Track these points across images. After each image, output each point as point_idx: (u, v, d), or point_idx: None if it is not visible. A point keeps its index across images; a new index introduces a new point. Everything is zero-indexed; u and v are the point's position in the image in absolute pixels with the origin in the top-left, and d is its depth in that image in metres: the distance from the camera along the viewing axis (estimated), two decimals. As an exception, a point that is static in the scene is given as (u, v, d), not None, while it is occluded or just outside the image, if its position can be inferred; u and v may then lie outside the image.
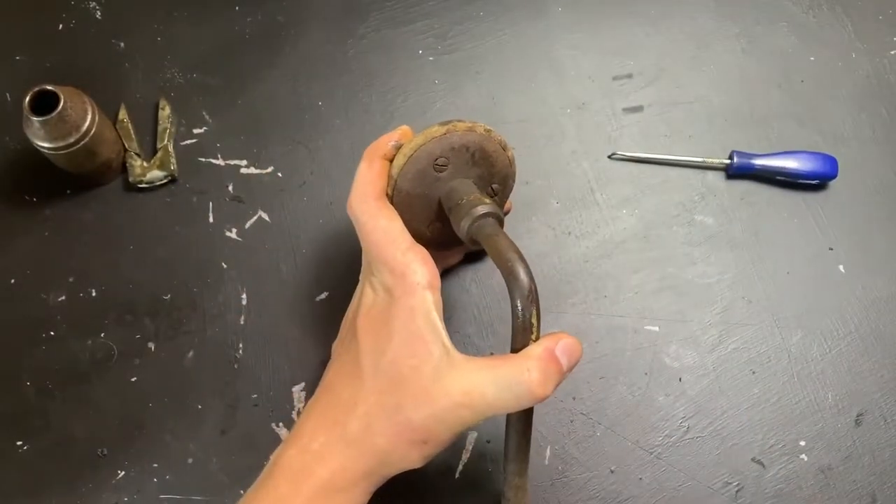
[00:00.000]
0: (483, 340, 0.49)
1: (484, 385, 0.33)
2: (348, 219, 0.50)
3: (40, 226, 0.50)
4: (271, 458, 0.37)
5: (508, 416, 0.37)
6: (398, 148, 0.40)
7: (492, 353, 0.48)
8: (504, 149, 0.41)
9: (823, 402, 0.48)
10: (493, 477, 0.46)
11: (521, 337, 0.35)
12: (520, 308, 0.34)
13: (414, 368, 0.34)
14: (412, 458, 0.35)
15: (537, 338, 0.35)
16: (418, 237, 0.38)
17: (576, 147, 0.53)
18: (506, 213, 0.45)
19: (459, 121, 0.39)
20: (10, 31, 0.54)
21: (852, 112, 0.55)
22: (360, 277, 0.41)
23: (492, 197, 0.42)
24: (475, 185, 0.40)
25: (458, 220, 0.37)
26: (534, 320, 0.35)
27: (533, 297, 0.34)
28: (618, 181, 0.53)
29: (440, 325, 0.35)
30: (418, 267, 0.35)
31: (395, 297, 0.35)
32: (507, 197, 0.44)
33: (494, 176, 0.41)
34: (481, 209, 0.37)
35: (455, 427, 0.34)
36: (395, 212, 0.38)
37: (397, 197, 0.39)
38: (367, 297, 0.38)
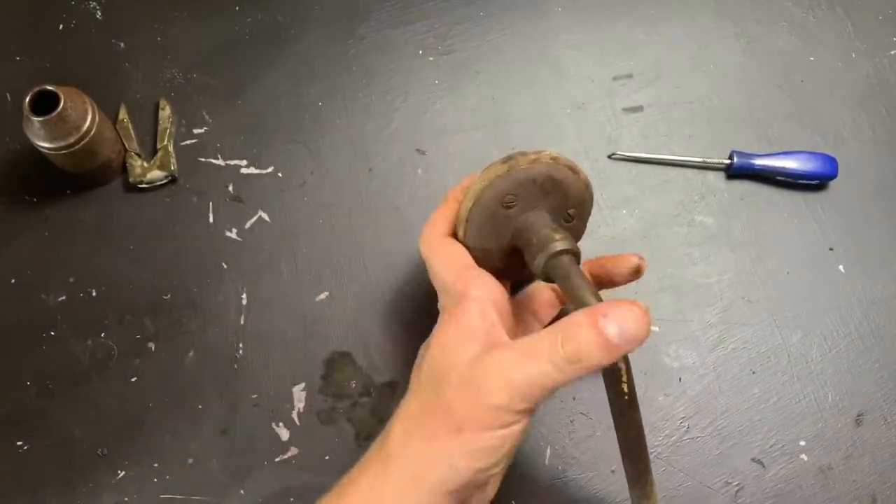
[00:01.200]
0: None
1: (515, 362, 0.31)
2: (349, 219, 0.51)
3: (40, 226, 0.50)
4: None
5: (624, 448, 0.35)
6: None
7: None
8: (575, 171, 0.39)
9: (823, 402, 0.48)
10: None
11: (610, 379, 0.33)
12: None
13: (449, 362, 0.34)
14: (453, 456, 0.32)
15: (628, 382, 0.32)
16: (494, 273, 0.38)
17: (576, 147, 0.53)
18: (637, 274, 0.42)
19: (522, 154, 0.38)
20: (10, 31, 0.54)
21: (852, 112, 0.55)
22: None
23: (568, 222, 0.40)
24: (548, 215, 0.38)
25: (532, 259, 0.36)
26: (621, 364, 0.32)
27: None
28: (618, 181, 0.53)
29: (483, 328, 0.34)
30: (476, 284, 0.36)
31: (451, 313, 0.36)
32: (586, 218, 0.42)
33: (569, 200, 0.39)
34: (554, 247, 0.35)
35: (486, 412, 0.32)
36: (460, 245, 0.39)
37: (470, 240, 0.39)
38: (439, 323, 0.38)
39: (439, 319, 0.38)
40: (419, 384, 0.36)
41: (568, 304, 0.35)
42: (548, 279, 0.36)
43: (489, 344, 0.34)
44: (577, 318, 0.30)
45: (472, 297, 0.35)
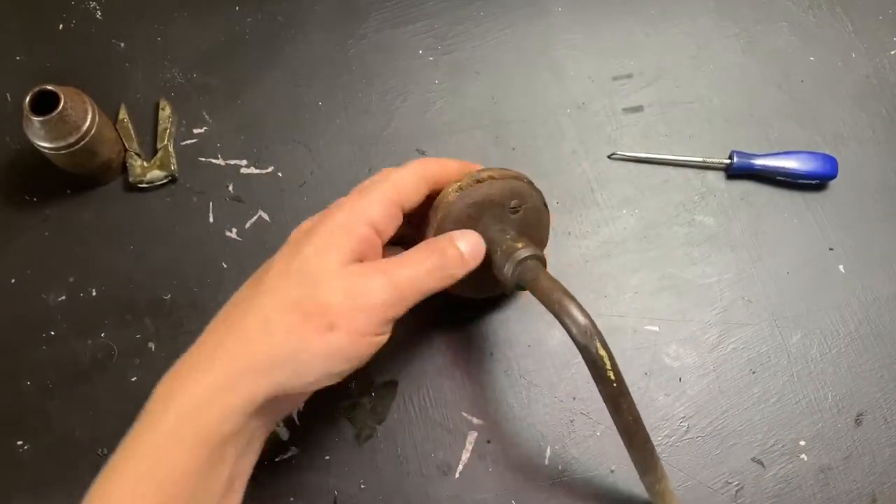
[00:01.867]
0: (483, 341, 0.49)
1: (395, 265, 0.34)
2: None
3: (40, 226, 0.50)
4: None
5: (623, 435, 0.37)
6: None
7: (491, 355, 0.48)
8: (531, 185, 0.42)
9: (823, 402, 0.48)
10: (494, 477, 0.46)
11: (595, 370, 0.35)
12: (582, 345, 0.34)
13: (325, 262, 0.33)
14: (313, 353, 0.32)
15: (613, 369, 0.35)
16: (464, 289, 0.41)
17: (576, 147, 0.53)
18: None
19: (482, 172, 0.41)
20: (10, 31, 0.54)
21: (852, 112, 0.55)
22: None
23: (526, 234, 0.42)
24: (510, 228, 0.41)
25: (500, 271, 0.38)
26: (602, 352, 0.34)
27: (592, 332, 0.34)
28: (618, 181, 0.53)
29: (358, 246, 0.34)
30: (377, 208, 0.35)
31: (328, 213, 0.35)
32: (545, 228, 0.45)
33: (526, 213, 0.42)
34: (519, 254, 0.37)
35: (364, 314, 0.32)
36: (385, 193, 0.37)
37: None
38: (306, 221, 0.37)
39: (312, 219, 0.37)
40: (283, 279, 0.33)
41: (545, 305, 0.36)
42: (519, 286, 0.38)
43: (369, 256, 0.35)
44: (441, 240, 0.37)
45: (367, 219, 0.35)
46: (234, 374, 0.31)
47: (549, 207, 0.52)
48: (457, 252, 0.37)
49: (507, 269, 0.38)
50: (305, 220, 0.38)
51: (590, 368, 0.35)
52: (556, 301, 0.35)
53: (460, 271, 0.37)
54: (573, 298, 0.35)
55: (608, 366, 0.34)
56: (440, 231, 0.40)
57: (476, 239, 0.38)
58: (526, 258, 0.37)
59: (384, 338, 0.35)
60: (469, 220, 0.40)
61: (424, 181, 0.38)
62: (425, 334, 0.48)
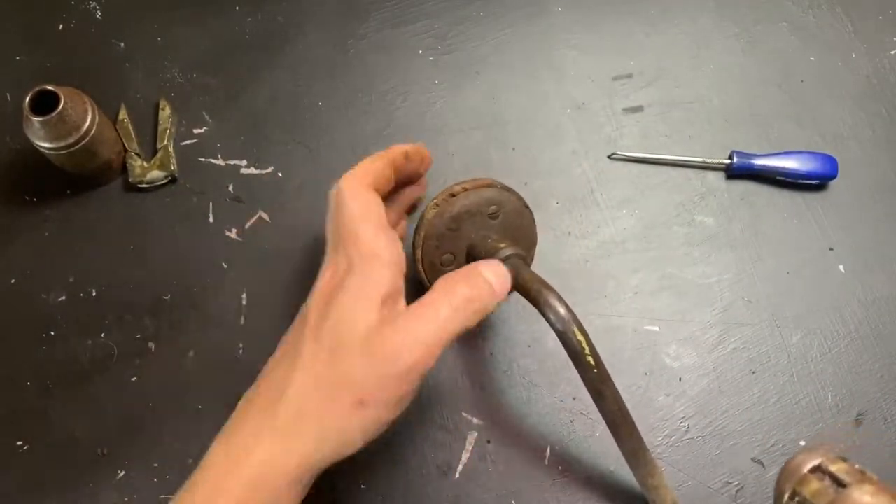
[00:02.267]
0: (483, 341, 0.49)
1: (417, 319, 0.33)
2: (348, 219, 0.51)
3: (40, 226, 0.50)
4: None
5: (609, 425, 0.38)
6: (405, 159, 0.41)
7: (491, 355, 0.48)
8: (510, 192, 0.43)
9: (823, 402, 0.48)
10: (494, 477, 0.46)
11: (574, 357, 0.36)
12: (560, 332, 0.36)
13: (352, 329, 0.33)
14: (353, 428, 0.33)
15: (592, 355, 0.36)
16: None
17: (576, 147, 0.53)
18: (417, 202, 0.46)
19: (466, 181, 0.42)
20: (10, 31, 0.54)
21: (852, 112, 0.55)
22: (322, 264, 0.39)
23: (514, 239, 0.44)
24: (493, 232, 0.42)
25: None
26: (579, 337, 0.36)
27: (569, 319, 0.35)
28: (618, 181, 0.53)
29: (387, 293, 0.34)
30: (386, 244, 0.35)
31: (353, 267, 0.34)
32: (530, 230, 0.45)
33: (509, 218, 0.43)
34: (502, 253, 0.39)
35: (394, 381, 0.33)
36: (379, 200, 0.38)
37: (424, 255, 0.43)
38: (323, 279, 0.36)
39: (331, 273, 0.36)
40: (313, 352, 0.33)
41: (526, 298, 0.38)
42: None
43: (393, 312, 0.34)
44: (461, 272, 0.36)
45: (385, 259, 0.35)
46: (277, 468, 0.32)
47: (550, 208, 0.52)
48: (484, 282, 0.36)
49: None
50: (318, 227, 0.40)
51: (570, 356, 0.36)
52: (535, 291, 0.36)
53: (491, 303, 0.36)
54: (552, 290, 0.36)
55: (587, 350, 0.35)
56: (424, 249, 0.42)
57: (499, 268, 0.37)
58: (507, 257, 0.39)
59: (420, 383, 0.34)
60: (450, 233, 0.41)
61: (392, 169, 0.40)
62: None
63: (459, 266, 0.40)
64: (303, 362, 0.33)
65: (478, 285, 0.35)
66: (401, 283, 0.35)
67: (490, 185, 0.43)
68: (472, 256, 0.42)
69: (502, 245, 0.40)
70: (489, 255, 0.40)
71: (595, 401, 0.37)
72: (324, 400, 0.32)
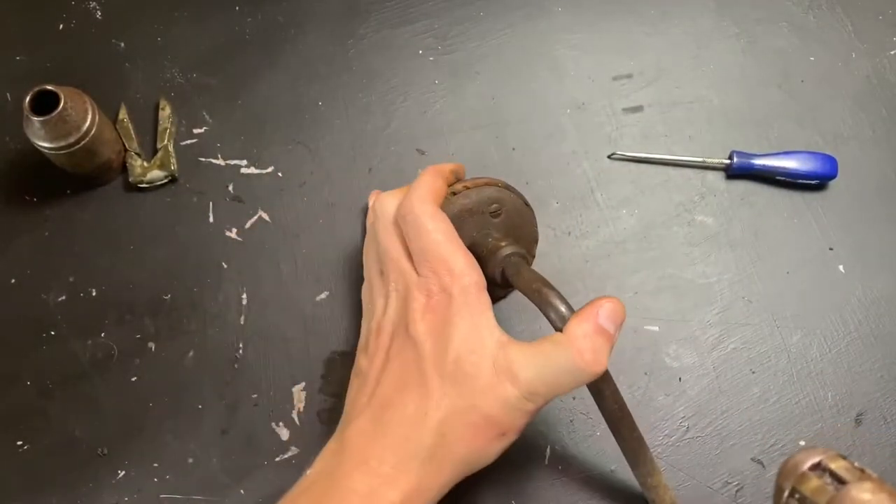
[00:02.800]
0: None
1: (543, 372, 0.34)
2: (349, 219, 0.51)
3: (40, 226, 0.50)
4: (315, 479, 0.35)
5: (609, 423, 0.38)
6: (454, 176, 0.43)
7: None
8: (512, 191, 0.44)
9: (823, 402, 0.48)
10: (493, 477, 0.46)
11: None
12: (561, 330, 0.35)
13: (476, 364, 0.34)
14: (491, 454, 0.35)
15: None
16: None
17: (576, 147, 0.53)
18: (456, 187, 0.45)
19: (465, 183, 0.43)
20: (10, 31, 0.54)
21: (852, 112, 0.55)
22: (376, 291, 0.40)
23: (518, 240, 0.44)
24: (495, 231, 0.43)
25: (486, 266, 0.40)
26: None
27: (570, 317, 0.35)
28: (618, 181, 0.53)
29: (494, 321, 0.36)
30: (473, 268, 0.36)
31: (452, 296, 0.35)
32: (532, 228, 0.46)
33: (510, 217, 0.44)
34: (503, 251, 0.39)
35: (528, 413, 0.35)
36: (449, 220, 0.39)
37: None
38: (416, 301, 0.36)
39: (426, 298, 0.36)
40: (442, 389, 0.34)
41: (527, 296, 0.37)
42: (504, 280, 0.40)
43: (500, 346, 0.35)
44: (583, 328, 0.33)
45: (481, 282, 0.36)
46: (422, 496, 0.34)
47: (550, 207, 0.52)
48: (593, 350, 0.33)
49: (492, 267, 0.40)
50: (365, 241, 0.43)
51: None
52: (535, 290, 0.36)
53: (597, 369, 0.33)
54: (553, 288, 0.36)
55: None
56: None
57: (616, 306, 0.34)
58: (508, 255, 0.39)
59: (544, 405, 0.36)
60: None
61: (444, 181, 0.41)
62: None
63: None
64: (435, 402, 0.34)
65: (590, 366, 0.33)
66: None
67: (491, 184, 0.43)
68: (473, 255, 0.41)
69: (503, 244, 0.40)
70: (490, 253, 0.40)
71: (595, 399, 0.37)
72: (464, 437, 0.34)
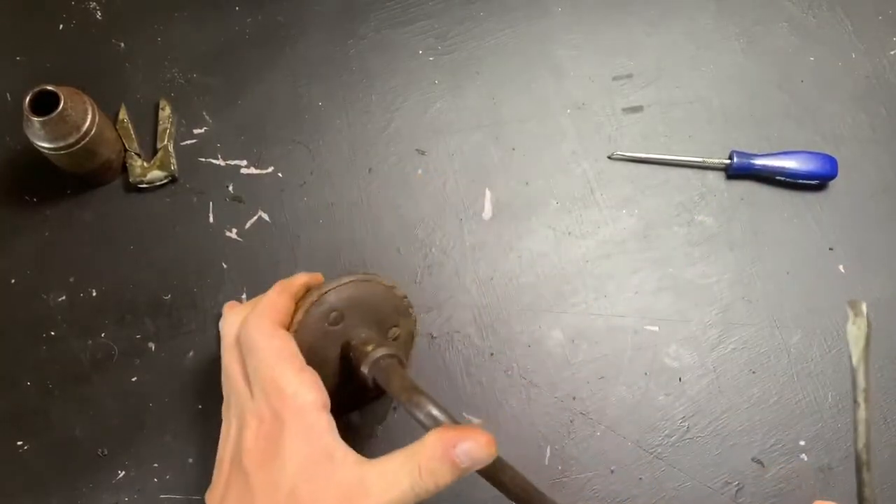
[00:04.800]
0: (483, 341, 0.48)
1: (383, 493, 0.31)
2: (348, 219, 0.51)
3: (40, 226, 0.50)
4: None
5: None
6: (305, 291, 0.40)
7: (491, 355, 0.48)
8: (391, 287, 0.41)
9: (823, 402, 0.48)
10: (493, 477, 0.46)
11: None
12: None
13: (314, 493, 0.31)
14: None
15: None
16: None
17: (576, 147, 0.53)
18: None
19: (346, 277, 0.40)
20: (10, 31, 0.54)
21: (852, 112, 0.55)
22: (228, 413, 0.37)
23: (395, 337, 0.42)
24: (372, 330, 0.40)
25: (358, 368, 0.37)
26: None
27: (447, 421, 0.33)
28: (618, 181, 0.53)
29: (334, 443, 0.33)
30: (310, 388, 0.34)
31: (284, 422, 0.33)
32: (412, 335, 0.44)
33: (390, 314, 0.41)
34: (374, 354, 0.37)
35: None
36: (292, 338, 0.36)
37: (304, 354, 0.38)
38: (249, 429, 0.34)
39: (256, 425, 0.34)
40: None
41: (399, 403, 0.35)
42: (376, 385, 0.37)
43: (345, 461, 0.32)
44: (432, 449, 0.31)
45: (318, 404, 0.33)
46: None
47: (550, 207, 0.52)
48: (451, 467, 0.32)
49: (364, 370, 0.37)
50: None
51: None
52: (406, 400, 0.34)
53: (454, 479, 0.32)
54: (424, 394, 0.34)
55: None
56: (300, 332, 0.38)
57: (480, 445, 0.31)
58: (377, 360, 0.37)
59: None
60: (320, 349, 0.39)
61: (290, 296, 0.39)
62: (424, 334, 0.49)
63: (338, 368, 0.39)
64: None
65: (445, 472, 0.32)
66: (334, 426, 0.34)
67: (348, 283, 0.40)
68: (348, 362, 0.39)
69: (370, 347, 0.38)
70: (359, 360, 0.38)
71: (499, 490, 0.34)
72: None
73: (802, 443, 0.47)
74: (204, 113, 0.53)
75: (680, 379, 0.48)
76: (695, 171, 0.53)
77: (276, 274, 0.49)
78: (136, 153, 0.51)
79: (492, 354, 0.48)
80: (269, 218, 0.51)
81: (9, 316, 0.48)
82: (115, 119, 0.51)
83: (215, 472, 0.36)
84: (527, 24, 0.56)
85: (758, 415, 0.47)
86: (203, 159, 0.52)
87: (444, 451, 0.31)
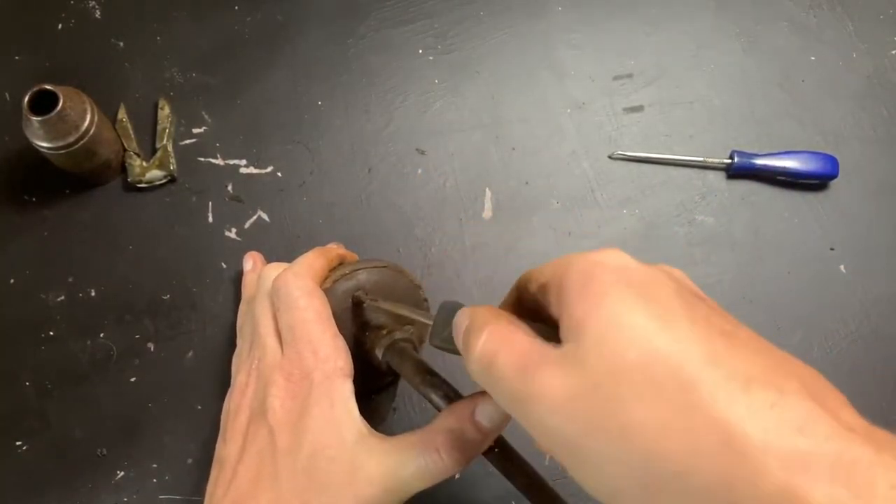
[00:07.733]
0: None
1: (398, 468, 0.32)
2: (348, 219, 0.51)
3: (39, 225, 0.50)
4: None
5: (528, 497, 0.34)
6: (339, 262, 0.40)
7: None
8: (404, 274, 0.41)
9: (824, 402, 0.48)
10: (494, 477, 0.45)
11: None
12: None
13: (331, 459, 0.32)
14: None
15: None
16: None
17: (576, 147, 0.53)
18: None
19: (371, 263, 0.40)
20: (9, 31, 0.54)
21: (853, 112, 0.55)
22: (243, 364, 0.37)
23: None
24: (381, 317, 0.39)
25: (372, 351, 0.37)
26: None
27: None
28: (618, 181, 0.52)
29: (356, 412, 0.33)
30: (341, 354, 0.34)
31: (313, 383, 0.33)
32: (421, 341, 0.42)
33: (404, 299, 0.41)
34: (388, 339, 0.37)
35: None
36: (328, 302, 0.36)
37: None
38: (276, 385, 0.34)
39: (285, 379, 0.34)
40: (292, 484, 0.31)
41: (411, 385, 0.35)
42: (389, 370, 0.37)
43: (358, 440, 0.32)
44: (446, 422, 0.32)
45: (346, 371, 0.34)
46: None
47: (550, 207, 0.52)
48: (477, 432, 0.32)
49: (377, 356, 0.37)
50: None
51: None
52: (417, 384, 0.34)
53: (485, 444, 0.32)
54: (436, 375, 0.34)
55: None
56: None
57: (495, 406, 0.31)
58: (392, 343, 0.37)
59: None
60: (352, 304, 0.39)
61: (327, 261, 0.40)
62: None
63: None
64: (286, 494, 0.32)
65: (474, 438, 0.32)
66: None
67: (377, 266, 0.40)
68: (359, 342, 0.39)
69: (385, 331, 0.38)
70: (375, 341, 0.37)
71: (507, 478, 0.34)
72: None
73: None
74: (203, 112, 0.53)
75: (680, 379, 0.48)
76: (695, 170, 0.53)
77: (276, 274, 0.49)
78: (135, 153, 0.51)
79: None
80: (269, 218, 0.51)
81: (7, 316, 0.48)
82: (114, 118, 0.51)
83: (229, 422, 0.36)
84: (527, 23, 0.56)
85: (758, 415, 0.47)
86: (202, 159, 0.52)
87: (462, 421, 0.31)
